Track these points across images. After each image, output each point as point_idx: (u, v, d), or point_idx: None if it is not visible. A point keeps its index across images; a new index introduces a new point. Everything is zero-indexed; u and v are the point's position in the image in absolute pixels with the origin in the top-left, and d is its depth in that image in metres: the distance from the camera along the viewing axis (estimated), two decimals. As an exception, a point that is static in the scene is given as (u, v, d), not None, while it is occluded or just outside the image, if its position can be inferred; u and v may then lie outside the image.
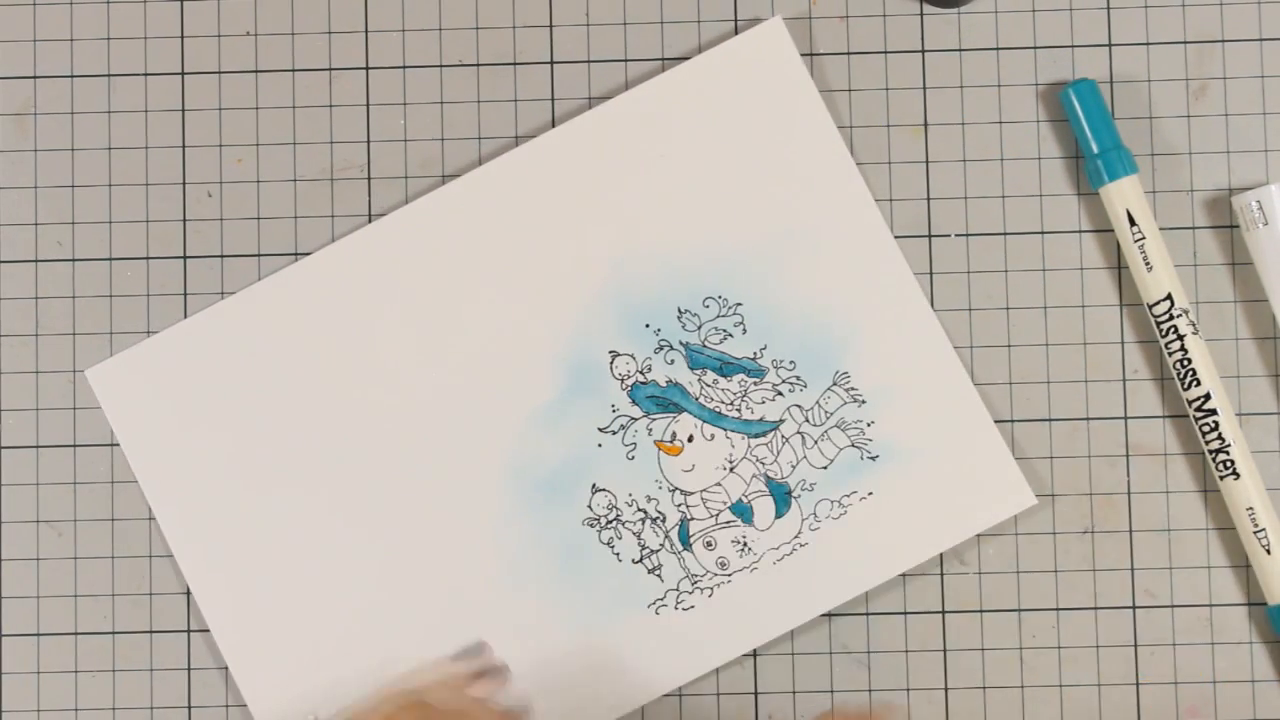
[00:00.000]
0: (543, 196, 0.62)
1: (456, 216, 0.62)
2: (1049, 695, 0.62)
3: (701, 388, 0.62)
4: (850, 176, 0.62)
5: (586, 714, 0.61)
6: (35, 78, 0.64)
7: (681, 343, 0.62)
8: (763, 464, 0.62)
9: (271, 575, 0.62)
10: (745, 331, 0.62)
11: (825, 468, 0.61)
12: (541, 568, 0.62)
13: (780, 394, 0.62)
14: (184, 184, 0.63)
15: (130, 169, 0.63)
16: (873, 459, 0.61)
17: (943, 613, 0.62)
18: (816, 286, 0.62)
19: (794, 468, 0.62)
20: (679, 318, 0.62)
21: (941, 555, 0.62)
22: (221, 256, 0.63)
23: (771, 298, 0.62)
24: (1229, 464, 0.60)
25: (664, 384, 0.62)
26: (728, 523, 0.62)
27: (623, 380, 0.62)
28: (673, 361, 0.62)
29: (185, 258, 0.63)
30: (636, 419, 0.62)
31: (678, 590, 0.62)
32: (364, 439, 0.62)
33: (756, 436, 0.62)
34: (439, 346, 0.62)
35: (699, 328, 0.62)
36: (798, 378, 0.62)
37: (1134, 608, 0.62)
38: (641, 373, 0.62)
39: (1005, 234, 0.63)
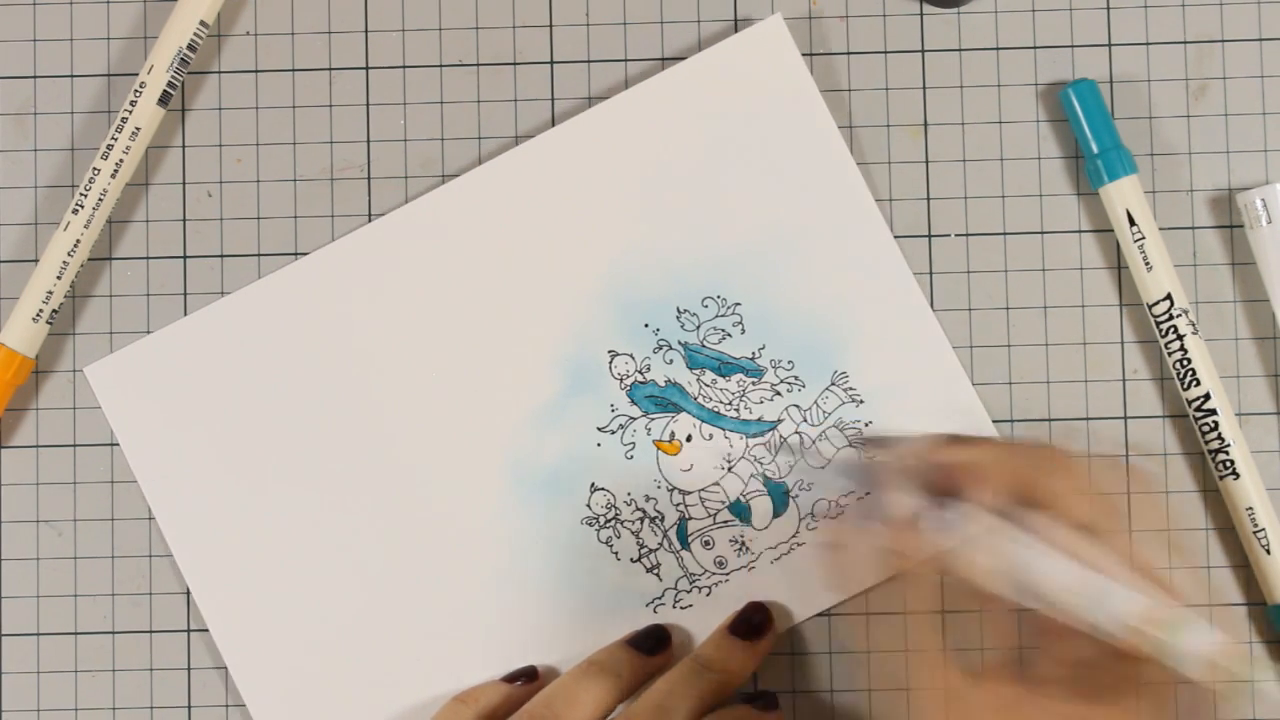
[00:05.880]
0: (542, 196, 0.62)
1: (456, 216, 0.62)
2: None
3: (700, 387, 0.62)
4: (850, 176, 0.62)
5: None
6: (35, 78, 0.64)
7: (680, 342, 0.62)
8: (761, 463, 0.62)
9: (271, 575, 0.62)
10: (744, 331, 0.62)
11: (823, 468, 0.61)
12: (540, 566, 0.62)
13: (778, 394, 0.62)
14: (184, 184, 0.64)
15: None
16: (871, 459, 0.61)
17: (942, 613, 0.62)
18: (815, 286, 0.62)
19: (792, 467, 0.61)
20: (678, 317, 0.62)
21: (941, 555, 0.62)
22: (221, 256, 0.63)
23: (770, 297, 0.62)
24: (1229, 464, 0.60)
25: (663, 383, 0.62)
26: (726, 522, 0.62)
27: (621, 380, 0.62)
28: (671, 361, 0.62)
29: (185, 258, 0.63)
30: (635, 418, 0.62)
31: (676, 589, 0.61)
32: (363, 438, 0.62)
33: (755, 436, 0.62)
34: (438, 346, 0.62)
35: (698, 327, 0.62)
36: (796, 377, 0.62)
37: (1134, 608, 0.62)
38: (640, 372, 0.62)
39: (1005, 234, 0.63)
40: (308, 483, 0.62)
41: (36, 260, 0.62)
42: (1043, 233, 0.63)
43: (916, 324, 0.62)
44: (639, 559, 0.62)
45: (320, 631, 0.62)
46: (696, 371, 0.62)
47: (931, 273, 0.63)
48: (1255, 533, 0.60)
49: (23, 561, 0.63)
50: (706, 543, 0.62)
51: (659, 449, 0.62)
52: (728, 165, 0.62)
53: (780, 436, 0.62)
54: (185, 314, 0.63)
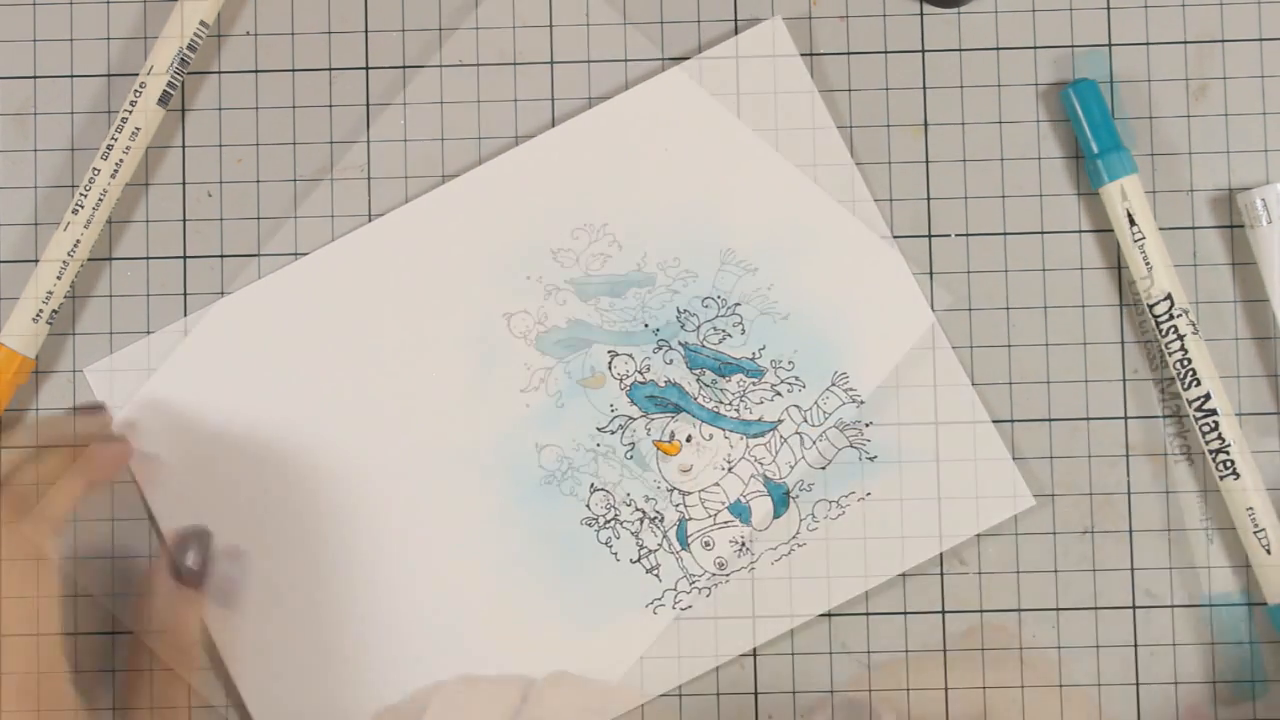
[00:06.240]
0: (542, 196, 0.62)
1: (456, 216, 0.62)
2: (1049, 695, 0.62)
3: (700, 388, 0.62)
4: (850, 176, 0.62)
5: (585, 714, 0.61)
6: (35, 78, 0.64)
7: (680, 342, 0.62)
8: (761, 464, 0.62)
9: (270, 575, 0.62)
10: (744, 331, 0.62)
11: (823, 468, 0.61)
12: (539, 567, 0.62)
13: (779, 394, 0.62)
14: (184, 184, 0.64)
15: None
16: (871, 459, 0.61)
17: (942, 613, 0.62)
18: (816, 286, 0.62)
19: (792, 468, 0.62)
20: (678, 317, 0.62)
21: (941, 555, 0.62)
22: (221, 256, 0.63)
23: (771, 298, 0.62)
24: (1229, 464, 0.60)
25: (662, 384, 0.62)
26: (726, 523, 0.62)
27: (621, 380, 0.62)
28: (671, 361, 0.62)
29: (185, 258, 0.63)
30: (635, 419, 0.62)
31: (675, 590, 0.61)
32: (362, 438, 0.62)
33: (755, 436, 0.62)
34: (437, 346, 0.62)
35: (698, 328, 0.62)
36: (796, 378, 0.62)
37: (1134, 608, 0.62)
38: (640, 372, 0.62)
39: (1005, 234, 0.63)
40: (308, 483, 0.62)
41: (36, 260, 0.62)
42: (1043, 233, 0.62)
43: (916, 323, 0.62)
44: (638, 560, 0.62)
45: (319, 632, 0.62)
46: (696, 372, 0.62)
47: (931, 273, 0.63)
48: (1255, 533, 0.60)
49: (22, 561, 0.63)
50: (706, 543, 0.62)
51: (659, 449, 0.62)
52: (728, 165, 0.62)
53: (780, 437, 0.62)
54: (185, 314, 0.63)
